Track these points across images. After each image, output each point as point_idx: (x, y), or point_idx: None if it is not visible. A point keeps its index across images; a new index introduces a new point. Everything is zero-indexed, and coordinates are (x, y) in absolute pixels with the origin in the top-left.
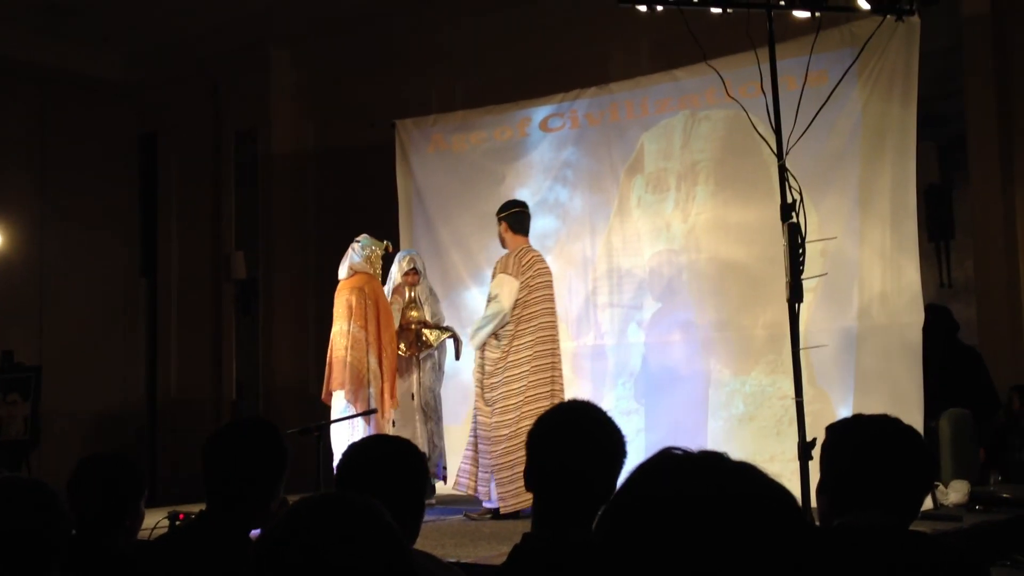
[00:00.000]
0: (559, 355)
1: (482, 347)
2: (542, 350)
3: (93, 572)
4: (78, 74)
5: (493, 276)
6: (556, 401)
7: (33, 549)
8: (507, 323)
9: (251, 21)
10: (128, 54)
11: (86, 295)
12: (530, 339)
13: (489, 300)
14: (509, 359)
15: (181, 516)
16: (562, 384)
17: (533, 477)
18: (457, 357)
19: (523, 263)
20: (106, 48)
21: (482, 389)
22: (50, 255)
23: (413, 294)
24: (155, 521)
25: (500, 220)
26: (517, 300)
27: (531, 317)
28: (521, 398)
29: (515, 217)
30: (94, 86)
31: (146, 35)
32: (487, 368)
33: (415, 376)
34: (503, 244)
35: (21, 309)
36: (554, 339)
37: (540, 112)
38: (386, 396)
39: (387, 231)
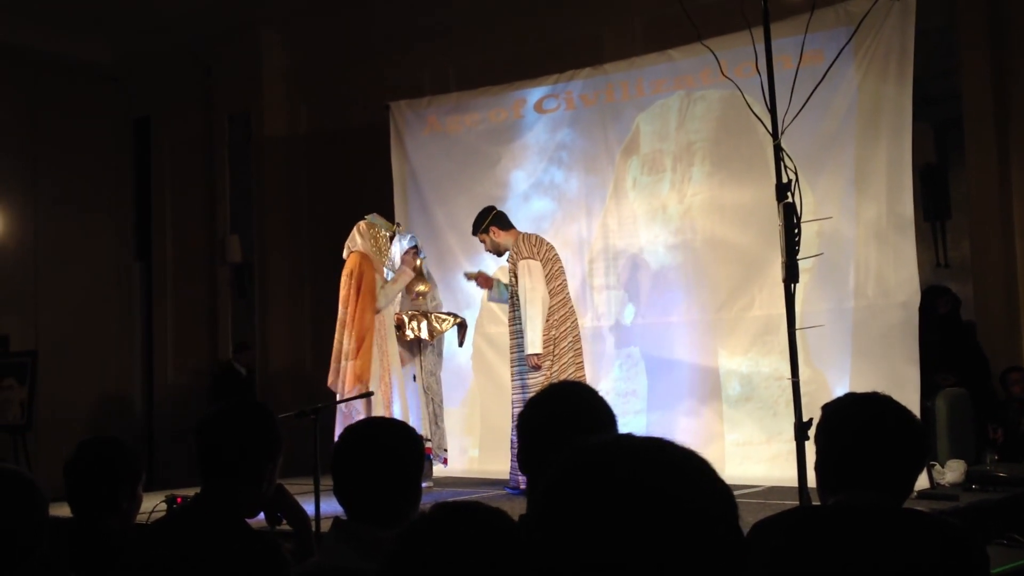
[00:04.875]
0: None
1: (519, 337)
2: (573, 322)
3: (90, 555)
4: (70, 58)
5: (515, 268)
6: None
7: (6, 543)
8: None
9: (242, 3)
10: (120, 38)
11: (81, 280)
12: (565, 311)
13: (519, 293)
14: (556, 335)
15: (179, 500)
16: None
17: (525, 458)
18: (461, 344)
19: (532, 243)
20: (97, 32)
21: (530, 379)
22: (45, 240)
23: (423, 286)
24: (153, 505)
25: (486, 229)
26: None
27: (559, 290)
28: (571, 371)
29: (498, 217)
30: (86, 70)
31: (137, 18)
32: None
33: (418, 360)
34: (499, 250)
35: (16, 294)
36: (573, 309)
37: (535, 93)
38: (349, 375)
39: (382, 214)
